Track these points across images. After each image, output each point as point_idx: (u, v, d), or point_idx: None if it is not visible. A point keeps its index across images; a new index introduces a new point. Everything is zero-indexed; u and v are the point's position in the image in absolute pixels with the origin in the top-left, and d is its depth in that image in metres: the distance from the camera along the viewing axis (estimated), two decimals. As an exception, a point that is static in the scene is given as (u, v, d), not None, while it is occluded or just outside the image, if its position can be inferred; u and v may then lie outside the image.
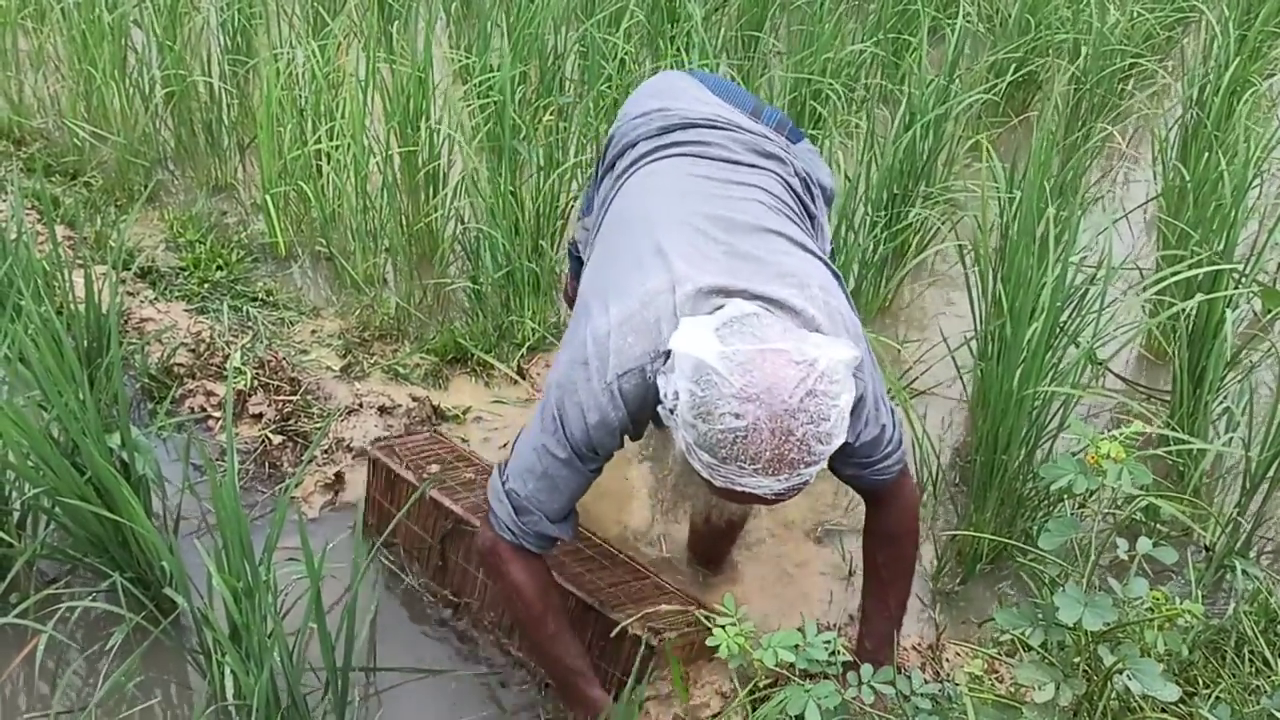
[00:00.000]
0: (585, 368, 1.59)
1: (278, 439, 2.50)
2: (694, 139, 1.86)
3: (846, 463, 1.70)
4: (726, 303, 1.52)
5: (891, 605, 1.88)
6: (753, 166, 1.83)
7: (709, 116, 1.89)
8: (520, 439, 1.71)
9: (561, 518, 1.70)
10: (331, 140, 3.08)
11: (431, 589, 2.17)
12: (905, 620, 2.17)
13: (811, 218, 1.90)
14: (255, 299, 2.99)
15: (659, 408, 1.49)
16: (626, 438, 1.65)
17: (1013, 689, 1.82)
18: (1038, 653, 1.53)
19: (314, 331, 2.89)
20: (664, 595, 2.00)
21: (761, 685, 1.73)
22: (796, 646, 1.55)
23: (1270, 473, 2.22)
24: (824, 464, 1.45)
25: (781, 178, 1.85)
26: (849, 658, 1.68)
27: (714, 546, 2.28)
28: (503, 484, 1.70)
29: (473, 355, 2.77)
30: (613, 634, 1.84)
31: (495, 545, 1.72)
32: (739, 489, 1.43)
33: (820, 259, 1.73)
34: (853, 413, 1.51)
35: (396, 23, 3.63)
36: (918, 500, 1.92)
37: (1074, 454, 1.55)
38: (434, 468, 2.20)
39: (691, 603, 1.98)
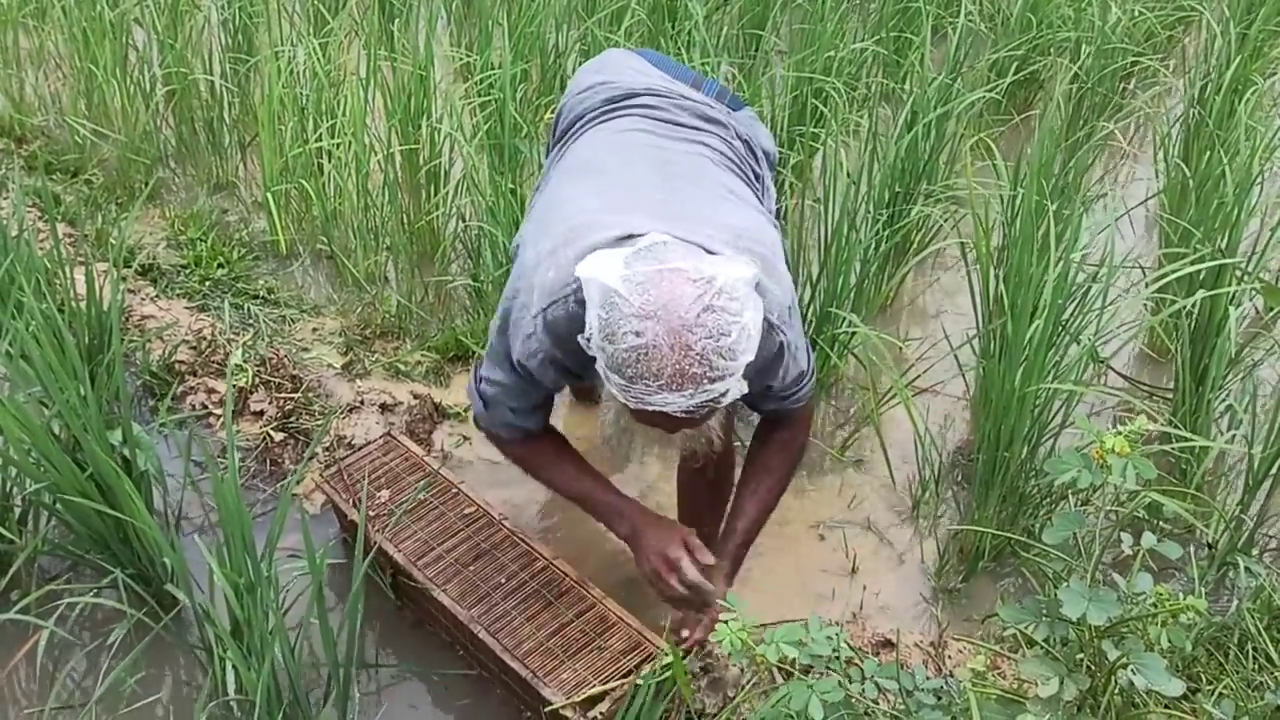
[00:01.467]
0: (517, 300, 1.68)
1: (279, 436, 2.50)
2: (639, 104, 1.91)
3: (768, 399, 1.79)
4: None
5: (759, 510, 1.91)
6: (696, 129, 1.89)
7: (650, 86, 1.95)
8: (489, 340, 1.81)
9: (527, 413, 1.83)
10: (333, 138, 3.08)
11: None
12: (908, 617, 2.18)
13: (758, 178, 1.95)
14: (256, 297, 2.98)
15: (579, 338, 1.53)
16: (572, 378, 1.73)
17: (1016, 684, 1.82)
18: (1041, 648, 1.53)
19: (315, 329, 2.89)
20: (609, 630, 1.89)
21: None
22: (800, 641, 1.55)
23: (1273, 470, 2.22)
24: (735, 383, 1.47)
25: (725, 140, 1.90)
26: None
27: (701, 513, 2.18)
28: (476, 384, 1.85)
29: (474, 353, 2.77)
30: (546, 710, 1.79)
31: (487, 431, 1.90)
32: (650, 408, 1.47)
33: (762, 214, 1.79)
34: (776, 358, 1.67)
35: (397, 21, 3.63)
36: (811, 421, 2.01)
37: (1079, 449, 1.55)
38: (383, 494, 2.14)
39: (637, 634, 1.88)
